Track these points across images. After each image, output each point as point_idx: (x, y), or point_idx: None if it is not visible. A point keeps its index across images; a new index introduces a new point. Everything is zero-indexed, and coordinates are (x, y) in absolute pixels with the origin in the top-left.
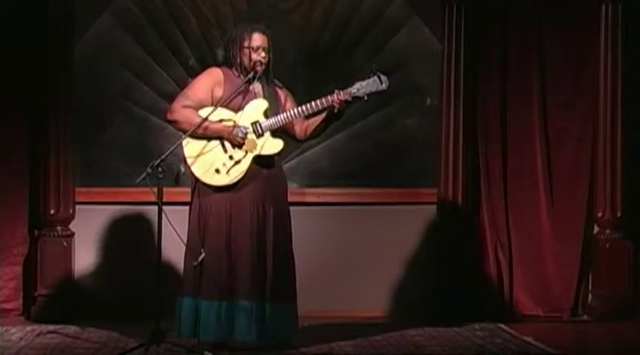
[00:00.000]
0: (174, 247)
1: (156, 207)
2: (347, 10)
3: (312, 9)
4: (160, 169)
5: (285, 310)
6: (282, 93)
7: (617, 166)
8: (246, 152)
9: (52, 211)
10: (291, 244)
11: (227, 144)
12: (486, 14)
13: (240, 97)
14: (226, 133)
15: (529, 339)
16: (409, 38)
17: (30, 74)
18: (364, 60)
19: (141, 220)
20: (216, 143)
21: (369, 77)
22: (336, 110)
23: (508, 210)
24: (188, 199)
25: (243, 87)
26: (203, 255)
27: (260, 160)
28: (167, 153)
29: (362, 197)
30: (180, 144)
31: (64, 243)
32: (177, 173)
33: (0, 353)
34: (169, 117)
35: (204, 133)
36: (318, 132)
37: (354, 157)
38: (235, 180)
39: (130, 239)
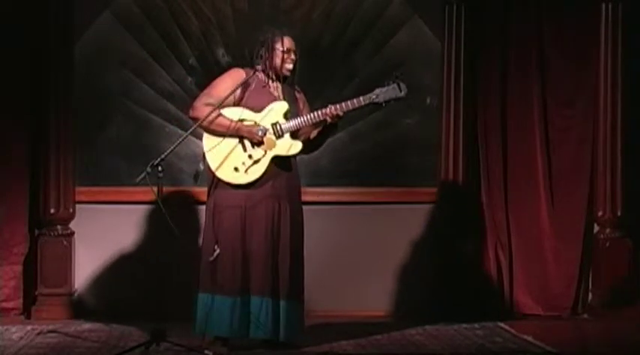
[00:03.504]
0: (174, 246)
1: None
2: (347, 9)
3: (313, 9)
4: (159, 168)
5: (296, 307)
6: (299, 98)
7: (617, 166)
8: (265, 151)
9: (52, 211)
10: (303, 244)
11: (247, 144)
12: (486, 14)
13: (261, 98)
14: (246, 132)
15: (529, 338)
16: (409, 38)
17: (30, 74)
18: (364, 59)
19: (141, 220)
20: (235, 142)
21: (388, 84)
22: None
23: (508, 210)
24: (188, 199)
25: (240, 88)
26: (218, 251)
27: (278, 161)
28: (167, 153)
29: (362, 196)
30: (180, 143)
31: (64, 243)
32: (196, 171)
33: (0, 353)
34: (191, 114)
35: (225, 132)
36: (317, 141)
37: (355, 156)
38: (253, 179)
39: (130, 238)
